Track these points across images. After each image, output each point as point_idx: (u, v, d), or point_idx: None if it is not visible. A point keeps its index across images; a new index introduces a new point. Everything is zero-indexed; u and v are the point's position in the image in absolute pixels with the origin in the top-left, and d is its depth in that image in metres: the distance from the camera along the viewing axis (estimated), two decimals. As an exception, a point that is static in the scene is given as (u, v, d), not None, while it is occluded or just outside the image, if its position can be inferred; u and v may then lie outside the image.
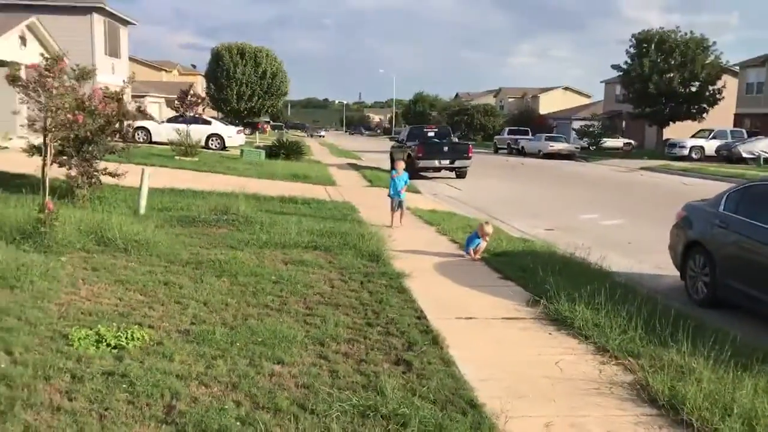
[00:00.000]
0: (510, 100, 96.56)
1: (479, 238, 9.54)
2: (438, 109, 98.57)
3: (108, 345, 4.95)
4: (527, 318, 6.58)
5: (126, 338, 5.07)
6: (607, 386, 4.92)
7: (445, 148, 25.36)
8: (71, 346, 4.89)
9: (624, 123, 58.86)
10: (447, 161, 25.14)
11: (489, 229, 9.69)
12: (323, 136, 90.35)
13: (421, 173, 25.56)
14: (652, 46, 44.35)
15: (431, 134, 27.65)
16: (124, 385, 4.27)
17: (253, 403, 4.18)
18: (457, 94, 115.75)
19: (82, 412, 3.90)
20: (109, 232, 8.53)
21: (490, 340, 5.88)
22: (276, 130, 64.65)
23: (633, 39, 45.94)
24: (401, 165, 12.70)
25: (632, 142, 54.03)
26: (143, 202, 11.11)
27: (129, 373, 4.44)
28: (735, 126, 43.14)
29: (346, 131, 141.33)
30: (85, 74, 9.48)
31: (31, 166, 11.12)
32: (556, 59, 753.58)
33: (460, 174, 25.72)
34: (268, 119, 79.98)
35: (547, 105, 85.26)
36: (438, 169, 25.57)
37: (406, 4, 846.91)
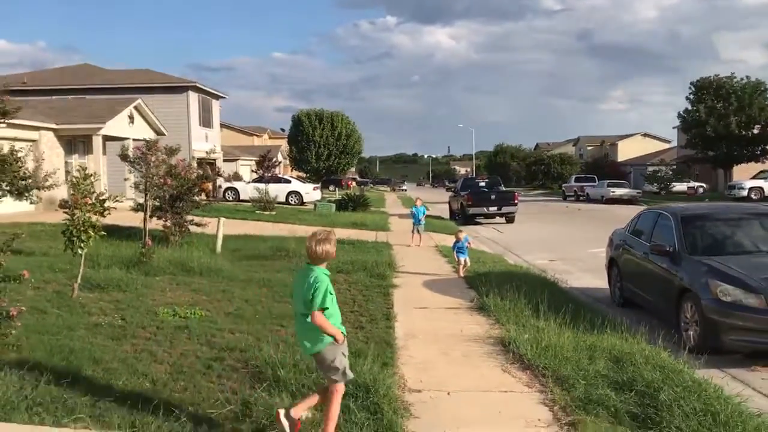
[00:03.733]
0: (589, 148, 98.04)
1: (458, 241, 12.56)
2: (518, 159, 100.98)
3: (180, 316, 8.18)
4: (463, 308, 9.44)
5: (191, 314, 8.30)
6: (484, 338, 7.73)
7: (493, 196, 28.15)
8: (157, 316, 8.16)
9: (697, 167, 59.61)
10: (495, 208, 27.88)
11: (462, 235, 12.69)
12: (405, 190, 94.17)
13: (476, 219, 28.41)
14: (711, 92, 45.90)
15: (482, 184, 30.58)
16: (186, 331, 7.47)
17: (257, 340, 7.27)
18: (537, 145, 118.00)
19: (161, 340, 7.12)
20: (190, 263, 11.89)
21: (427, 319, 8.78)
22: (361, 186, 68.25)
23: (691, 86, 47.66)
24: (420, 201, 17.50)
25: (704, 185, 54.80)
26: (219, 243, 14.57)
27: (189, 326, 7.64)
28: (807, 165, 43.78)
29: (431, 184, 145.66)
30: (172, 151, 13.17)
31: (136, 220, 14.78)
32: (648, 104, 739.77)
33: (509, 219, 28.34)
34: (354, 176, 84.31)
35: (625, 152, 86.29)
36: (490, 216, 28.28)
37: (494, 59, 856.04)
